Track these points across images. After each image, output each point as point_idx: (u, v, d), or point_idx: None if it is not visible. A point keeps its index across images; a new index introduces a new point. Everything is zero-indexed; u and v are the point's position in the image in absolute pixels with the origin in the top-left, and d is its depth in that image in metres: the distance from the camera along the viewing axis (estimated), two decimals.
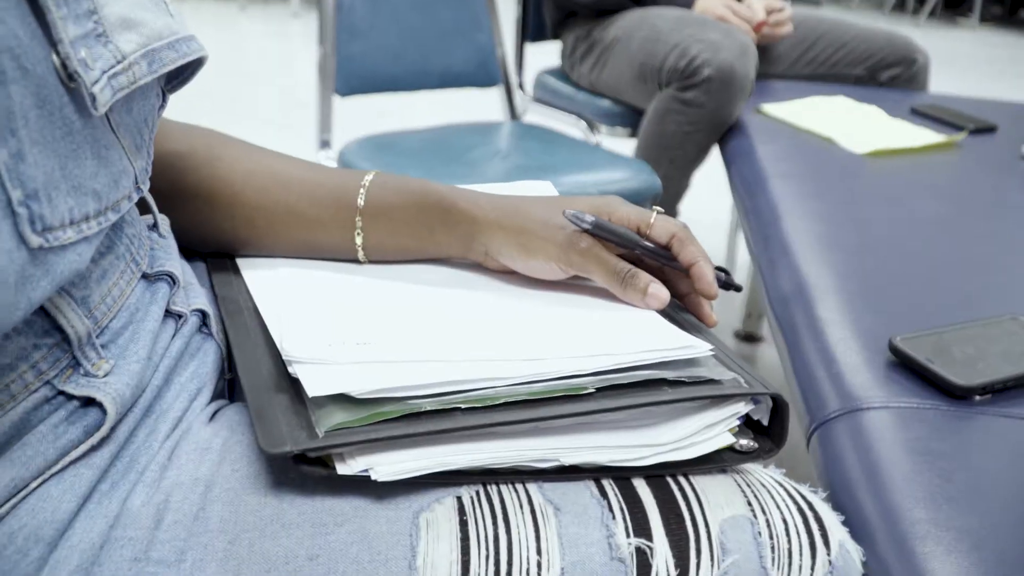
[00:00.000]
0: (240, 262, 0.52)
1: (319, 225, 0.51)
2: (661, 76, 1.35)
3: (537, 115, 1.70)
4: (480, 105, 1.60)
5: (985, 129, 1.36)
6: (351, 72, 1.23)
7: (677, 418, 0.43)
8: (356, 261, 0.53)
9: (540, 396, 0.40)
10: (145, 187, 0.41)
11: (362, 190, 0.51)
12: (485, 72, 1.41)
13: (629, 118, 1.56)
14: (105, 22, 0.33)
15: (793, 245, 0.92)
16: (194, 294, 0.45)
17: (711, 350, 0.45)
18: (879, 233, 0.96)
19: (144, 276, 0.42)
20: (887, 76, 1.60)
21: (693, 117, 1.31)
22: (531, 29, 1.80)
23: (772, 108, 1.36)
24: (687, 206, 1.57)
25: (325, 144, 1.31)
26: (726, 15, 1.51)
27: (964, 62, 4.88)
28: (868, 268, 0.86)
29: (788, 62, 1.64)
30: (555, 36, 1.74)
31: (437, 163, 1.17)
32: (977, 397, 0.62)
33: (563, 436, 0.41)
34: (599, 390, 0.40)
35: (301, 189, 0.51)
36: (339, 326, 0.43)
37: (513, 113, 1.50)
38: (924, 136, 1.28)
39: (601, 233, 0.48)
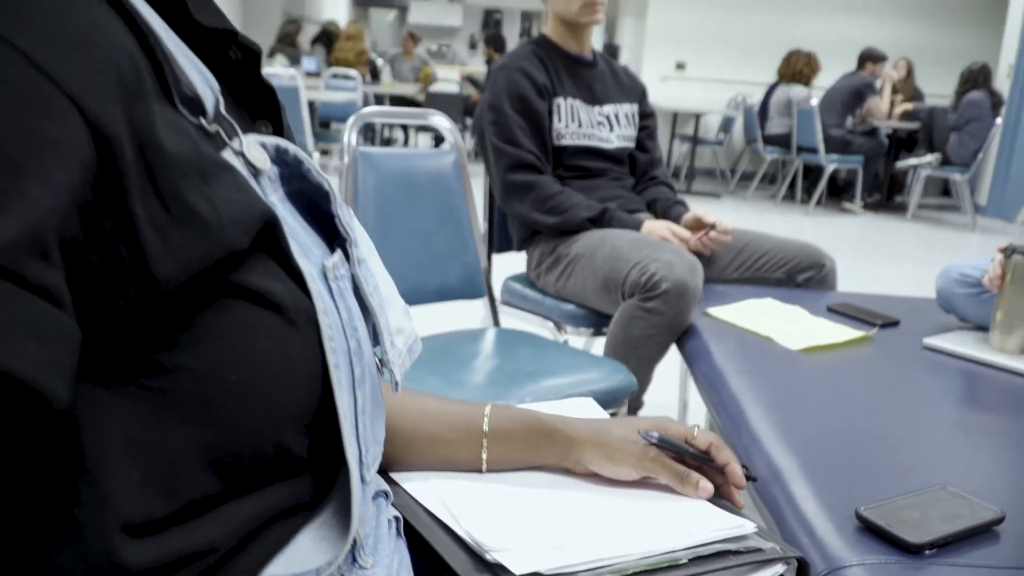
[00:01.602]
0: (395, 476, 0.69)
1: (455, 445, 0.69)
2: (625, 288, 1.61)
3: (508, 317, 1.92)
4: (457, 310, 1.82)
5: (891, 323, 1.65)
6: None
7: None
8: (478, 471, 0.70)
9: (651, 568, 0.57)
10: None
11: (485, 418, 0.69)
12: (472, 287, 1.64)
13: (592, 320, 1.80)
14: (393, 330, 0.52)
15: (760, 434, 1.13)
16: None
17: (754, 527, 0.64)
18: (824, 418, 1.18)
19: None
20: (802, 278, 1.90)
21: (655, 322, 1.55)
22: (496, 243, 2.07)
23: (717, 311, 1.62)
24: (648, 394, 1.79)
25: None
26: (668, 236, 1.80)
27: (850, 245, 5.46)
28: (823, 450, 1.07)
29: (722, 268, 1.93)
30: (520, 249, 2.00)
31: (448, 370, 1.36)
32: (927, 551, 0.82)
33: None
34: (689, 561, 0.59)
35: (441, 419, 0.69)
36: (502, 521, 0.60)
37: (495, 320, 1.72)
38: (843, 332, 1.55)
39: (664, 445, 0.67)
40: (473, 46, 13.13)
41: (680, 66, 8.41)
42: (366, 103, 6.92)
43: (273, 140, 0.45)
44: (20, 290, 0.30)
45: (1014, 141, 6.74)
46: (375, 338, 0.51)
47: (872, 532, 0.85)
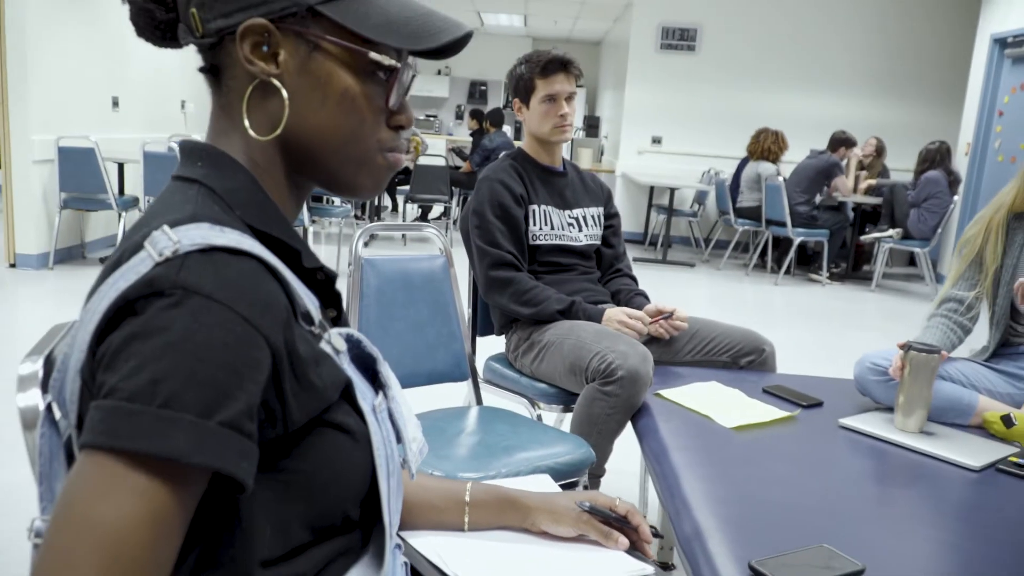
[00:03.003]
0: (403, 534, 0.96)
1: (446, 512, 0.96)
2: (587, 374, 1.89)
3: (488, 393, 2.19)
4: (447, 388, 2.09)
5: (815, 404, 1.93)
6: None
7: None
8: (462, 530, 0.97)
9: None
10: None
11: (467, 492, 0.97)
12: (459, 370, 1.92)
13: (562, 398, 2.08)
14: (411, 439, 0.80)
15: (690, 499, 1.40)
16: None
17: (653, 570, 0.91)
18: (744, 487, 1.46)
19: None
20: (745, 362, 2.19)
21: (613, 403, 1.83)
22: (480, 328, 2.36)
23: (668, 392, 1.90)
24: (610, 464, 2.05)
25: None
26: (624, 320, 2.08)
27: (817, 313, 5.79)
28: (738, 513, 1.34)
29: (676, 351, 2.22)
30: (500, 334, 2.29)
31: (437, 445, 1.62)
32: None
33: None
34: None
35: (435, 493, 0.96)
36: (479, 564, 0.87)
37: (478, 399, 2.00)
38: (772, 412, 1.83)
39: (594, 512, 0.95)
40: (459, 116, 13.62)
41: (656, 140, 8.85)
42: None
43: (346, 331, 0.74)
44: (241, 436, 0.58)
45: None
46: (399, 441, 0.79)
47: None
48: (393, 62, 0.71)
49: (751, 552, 1.18)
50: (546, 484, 1.10)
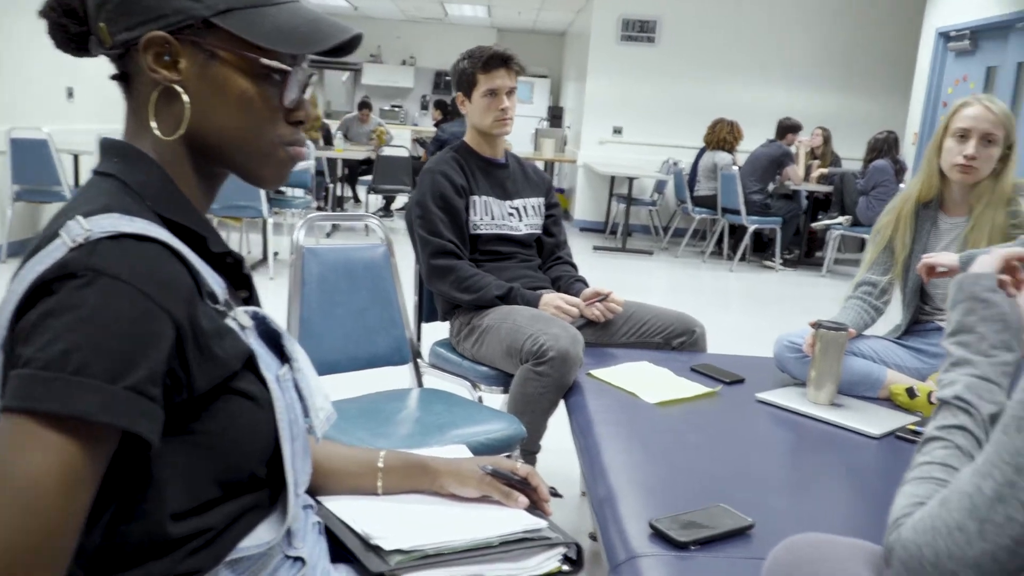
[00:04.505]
0: (321, 498, 1.05)
1: (360, 477, 1.05)
2: (522, 355, 1.99)
3: (433, 377, 2.29)
4: (391, 373, 2.18)
5: (737, 381, 2.05)
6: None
7: (534, 556, 0.98)
8: (376, 494, 1.07)
9: (472, 547, 0.94)
10: None
11: (381, 458, 1.06)
12: (400, 355, 2.01)
13: (501, 379, 2.18)
14: (317, 408, 0.89)
15: (607, 467, 1.51)
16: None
17: (547, 524, 1.01)
18: (660, 457, 1.57)
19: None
20: (677, 343, 2.31)
21: (545, 383, 1.94)
22: (425, 314, 2.45)
23: (599, 372, 2.01)
24: (545, 440, 2.16)
25: None
26: (561, 304, 2.19)
27: (770, 298, 5.95)
28: (650, 479, 1.45)
29: (612, 333, 2.33)
30: (443, 320, 2.38)
31: (376, 423, 1.72)
32: (691, 547, 1.20)
33: (484, 566, 0.95)
34: (500, 544, 0.96)
35: (351, 460, 1.06)
36: (385, 522, 0.97)
37: (419, 382, 2.09)
38: (695, 388, 1.94)
39: (496, 474, 1.05)
40: (424, 107, 13.65)
41: (617, 131, 8.97)
42: (319, 168, 7.30)
43: (252, 309, 0.83)
44: (145, 399, 0.67)
45: None
46: (306, 413, 0.88)
47: (658, 535, 1.23)
48: (284, 66, 0.80)
49: (655, 512, 1.29)
50: (460, 452, 1.20)
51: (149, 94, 0.78)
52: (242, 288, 0.87)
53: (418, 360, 2.15)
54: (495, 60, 2.29)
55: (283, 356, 0.87)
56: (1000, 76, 6.24)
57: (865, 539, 1.19)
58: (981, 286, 0.90)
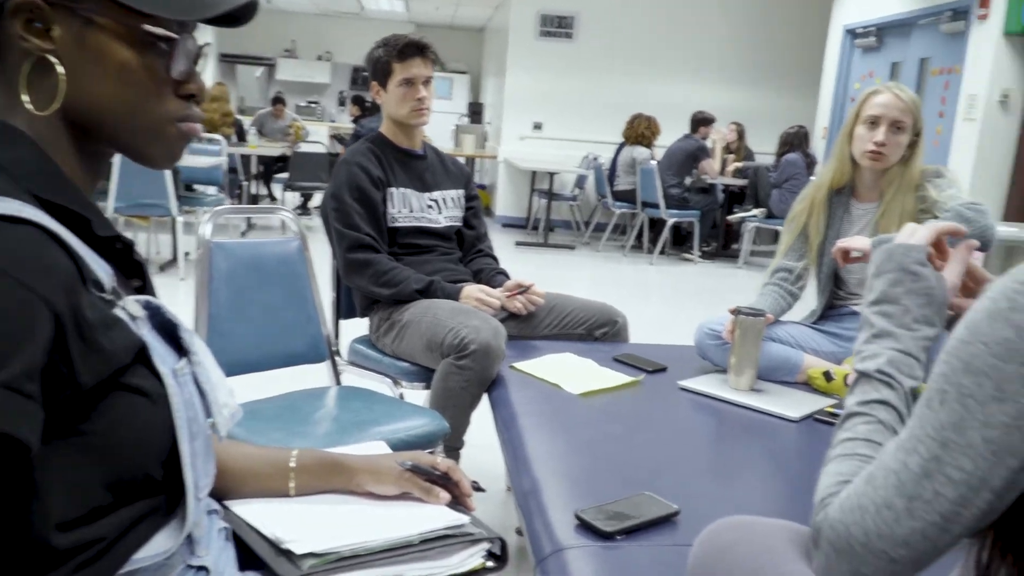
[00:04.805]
0: (229, 503, 0.98)
1: (271, 478, 0.99)
2: (443, 349, 1.95)
3: (353, 375, 2.22)
4: (309, 372, 2.10)
5: (659, 369, 2.05)
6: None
7: (456, 553, 0.94)
8: (288, 495, 1.01)
9: (391, 547, 0.90)
10: None
11: (293, 457, 1.00)
12: (316, 352, 1.94)
13: (422, 375, 2.13)
14: (221, 405, 0.83)
15: (531, 459, 1.48)
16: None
17: (470, 520, 0.97)
18: (584, 447, 1.54)
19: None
20: (600, 333, 2.30)
21: (467, 376, 1.90)
22: (344, 310, 2.38)
23: (522, 364, 1.98)
24: (469, 435, 2.12)
25: None
26: (481, 297, 2.15)
27: (689, 289, 6.05)
28: (575, 470, 1.43)
29: (535, 325, 2.31)
30: (363, 316, 2.31)
31: (292, 423, 1.65)
32: (618, 537, 1.18)
33: (404, 565, 0.90)
34: (421, 542, 0.91)
35: (260, 460, 0.99)
36: (297, 525, 0.91)
37: (337, 380, 2.02)
38: (618, 378, 1.93)
39: (415, 470, 1.00)
40: (342, 103, 13.42)
41: (537, 126, 8.99)
42: (232, 165, 7.08)
43: (144, 298, 0.76)
44: (21, 397, 0.60)
45: None
46: (208, 411, 0.82)
47: (584, 526, 1.20)
48: (170, 33, 0.73)
49: (580, 503, 1.26)
50: (379, 449, 1.15)
51: (20, 65, 0.70)
52: (134, 277, 0.80)
53: (336, 357, 2.08)
54: (411, 49, 2.24)
55: (181, 349, 0.80)
56: (904, 71, 6.49)
57: (790, 520, 1.19)
58: (911, 257, 0.89)
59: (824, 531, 0.74)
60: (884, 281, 0.89)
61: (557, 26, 8.83)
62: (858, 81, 7.30)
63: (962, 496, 0.67)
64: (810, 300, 2.27)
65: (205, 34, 0.78)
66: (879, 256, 0.91)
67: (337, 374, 2.04)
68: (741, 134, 8.15)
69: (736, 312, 1.89)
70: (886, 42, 6.90)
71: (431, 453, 1.69)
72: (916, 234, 0.91)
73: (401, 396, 2.12)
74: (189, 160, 5.68)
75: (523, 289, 2.25)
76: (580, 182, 8.51)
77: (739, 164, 7.83)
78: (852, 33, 7.33)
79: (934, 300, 0.86)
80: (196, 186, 6.11)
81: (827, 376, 1.95)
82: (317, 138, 9.28)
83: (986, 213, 1.87)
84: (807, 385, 1.99)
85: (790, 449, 1.65)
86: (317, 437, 1.59)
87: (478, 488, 1.05)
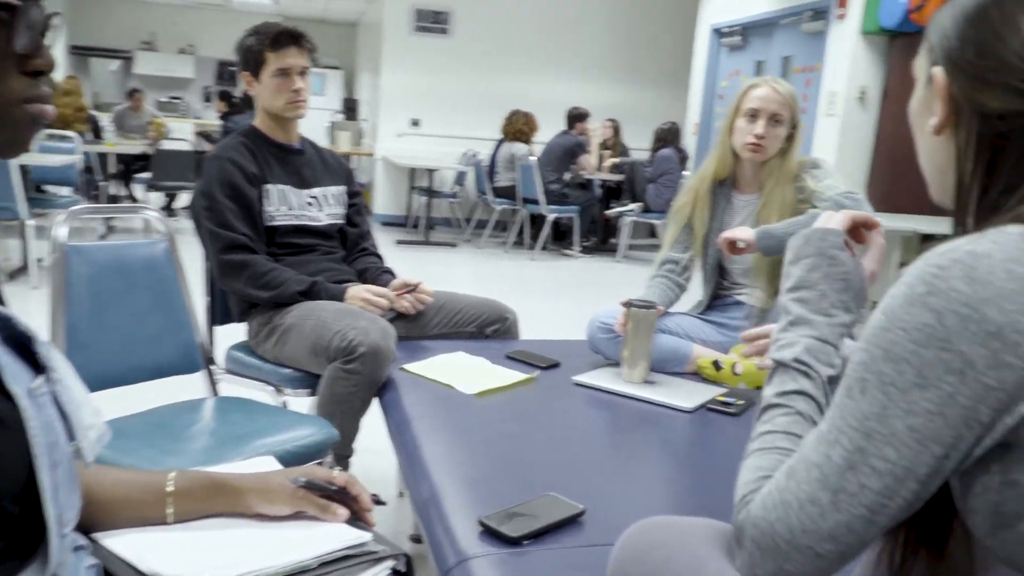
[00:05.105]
0: (98, 535, 0.87)
1: (145, 505, 0.88)
2: (329, 353, 1.85)
3: (231, 384, 2.09)
4: (183, 384, 1.95)
5: (553, 365, 2.02)
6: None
7: (359, 573, 0.87)
8: (166, 523, 0.90)
9: (285, 573, 0.81)
10: None
11: (170, 481, 0.90)
12: (190, 362, 1.80)
13: (307, 381, 2.02)
14: (86, 426, 0.72)
15: (428, 465, 1.41)
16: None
17: (371, 537, 0.90)
18: (483, 449, 1.49)
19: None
20: (491, 330, 2.25)
21: (356, 381, 1.81)
22: (219, 315, 2.23)
23: (413, 366, 1.91)
24: (358, 442, 2.02)
25: None
26: (368, 297, 2.06)
27: (571, 284, 6.11)
28: (475, 474, 1.37)
29: (424, 325, 2.24)
30: (240, 320, 2.18)
31: (165, 441, 1.51)
32: (524, 542, 1.13)
33: None
34: (319, 565, 0.83)
35: (132, 486, 0.89)
36: (177, 556, 0.81)
37: (214, 391, 1.89)
38: (513, 376, 1.89)
39: (309, 486, 0.92)
40: (207, 99, 12.83)
41: (415, 123, 8.87)
42: (88, 164, 6.62)
43: None
44: None
45: None
46: (71, 434, 0.71)
47: (489, 532, 1.15)
48: (10, 0, 0.63)
49: (484, 508, 1.21)
50: (267, 465, 1.06)
51: None
52: None
53: (212, 367, 1.94)
54: (285, 37, 2.12)
55: (37, 365, 0.70)
56: (768, 69, 6.78)
57: (687, 510, 1.18)
58: (828, 242, 0.88)
59: (747, 529, 0.72)
60: (802, 267, 0.87)
61: (433, 21, 8.73)
62: (725, 79, 7.58)
63: (887, 487, 0.66)
64: (696, 291, 2.30)
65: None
66: (796, 242, 0.90)
67: (214, 384, 1.90)
68: (616, 130, 8.32)
69: (628, 305, 1.89)
70: (751, 41, 7.19)
71: (320, 463, 1.60)
72: (832, 220, 0.91)
73: (285, 404, 2.01)
74: (39, 158, 5.25)
75: (411, 288, 2.18)
76: (460, 179, 8.46)
77: (615, 160, 7.99)
78: (719, 32, 7.60)
79: (851, 286, 0.86)
80: (48, 187, 5.67)
81: (716, 365, 1.98)
82: (181, 135, 8.82)
83: (862, 202, 1.94)
84: (697, 375, 2.02)
85: (687, 439, 1.66)
86: (194, 454, 1.47)
87: (378, 501, 0.98)
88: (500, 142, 7.64)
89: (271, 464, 1.07)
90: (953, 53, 0.73)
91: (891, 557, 0.77)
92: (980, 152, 0.72)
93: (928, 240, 4.64)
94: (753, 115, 2.06)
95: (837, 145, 5.60)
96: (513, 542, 1.12)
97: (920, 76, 0.80)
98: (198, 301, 1.99)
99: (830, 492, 0.67)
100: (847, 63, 5.56)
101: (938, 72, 0.75)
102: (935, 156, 0.78)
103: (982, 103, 0.71)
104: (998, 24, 0.70)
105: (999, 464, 0.64)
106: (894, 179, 5.41)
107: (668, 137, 7.33)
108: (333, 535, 0.90)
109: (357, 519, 0.96)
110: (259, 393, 2.02)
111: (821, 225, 0.90)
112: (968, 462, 0.65)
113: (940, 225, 4.34)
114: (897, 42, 5.41)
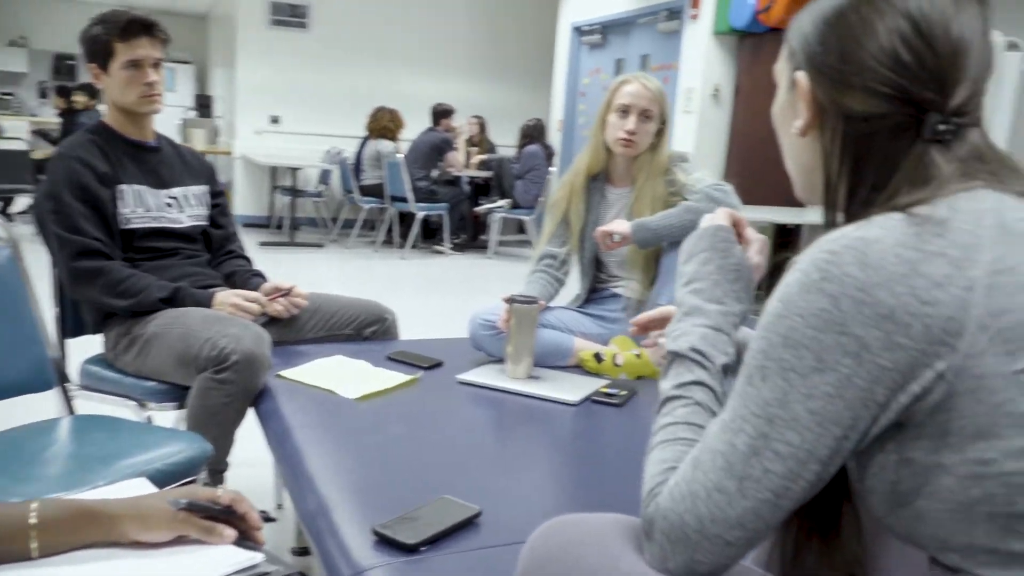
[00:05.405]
0: None
1: (7, 540, 0.79)
2: (198, 363, 1.74)
3: (89, 401, 1.93)
4: (34, 404, 1.79)
5: (436, 365, 1.99)
6: None
7: None
8: (30, 559, 0.81)
9: None
10: None
11: (33, 512, 0.81)
12: (41, 379, 1.65)
13: (175, 394, 1.89)
14: None
15: (314, 476, 1.35)
16: None
17: (263, 557, 0.84)
18: (370, 455, 1.44)
19: None
20: (369, 332, 2.19)
21: (229, 391, 1.71)
22: (70, 327, 2.06)
23: (290, 372, 1.83)
24: (243, 456, 1.92)
25: None
26: (238, 302, 1.96)
27: (443, 281, 6.08)
28: (365, 482, 1.33)
29: (299, 328, 2.15)
30: (96, 332, 2.02)
31: (16, 466, 1.37)
32: (421, 548, 1.10)
33: None
34: None
35: None
36: None
37: (70, 409, 1.74)
38: (396, 378, 1.84)
39: (191, 508, 0.85)
40: (44, 95, 11.92)
41: (275, 120, 8.58)
42: None
43: None
44: None
45: None
46: None
47: (384, 541, 1.11)
48: None
49: (376, 516, 1.17)
50: (141, 488, 0.97)
51: None
52: None
53: (66, 383, 1.79)
54: (135, 27, 1.98)
55: None
56: (627, 67, 6.97)
57: (582, 505, 1.19)
58: (720, 237, 0.90)
59: (657, 522, 0.72)
60: (696, 261, 0.89)
61: (290, 15, 8.46)
62: (587, 76, 7.74)
63: (791, 470, 0.67)
64: (574, 285, 2.33)
65: None
66: (689, 241, 0.91)
67: (69, 402, 1.75)
68: (483, 127, 8.35)
69: (511, 300, 1.88)
70: (610, 40, 7.38)
71: (194, 480, 1.50)
72: (716, 218, 0.93)
73: (149, 420, 1.88)
74: None
75: (284, 292, 2.09)
76: (324, 177, 8.24)
77: (483, 156, 8.01)
78: (579, 31, 7.76)
79: (742, 276, 0.88)
80: None
81: (597, 358, 2.00)
82: (15, 134, 8.16)
83: (730, 193, 2.01)
84: (579, 368, 2.04)
85: (574, 432, 1.67)
86: (53, 480, 1.34)
87: (268, 519, 0.92)
88: (365, 139, 7.51)
89: (144, 486, 0.99)
90: (816, 58, 0.76)
91: (783, 546, 0.79)
92: (846, 152, 0.75)
93: (783, 230, 4.91)
94: (624, 111, 2.09)
95: (695, 140, 5.83)
96: (410, 549, 1.09)
97: (782, 80, 0.82)
98: (47, 312, 1.83)
99: (736, 479, 0.68)
100: (701, 62, 5.79)
101: (801, 76, 0.77)
102: (800, 156, 0.81)
103: (846, 106, 0.73)
104: (857, 28, 0.72)
105: (894, 443, 0.66)
106: (749, 172, 5.68)
107: (534, 133, 7.43)
108: (222, 559, 0.83)
109: (245, 539, 0.90)
110: (120, 409, 1.88)
111: (708, 223, 0.92)
112: (865, 442, 0.67)
113: (793, 215, 4.60)
114: (746, 42, 5.68)
